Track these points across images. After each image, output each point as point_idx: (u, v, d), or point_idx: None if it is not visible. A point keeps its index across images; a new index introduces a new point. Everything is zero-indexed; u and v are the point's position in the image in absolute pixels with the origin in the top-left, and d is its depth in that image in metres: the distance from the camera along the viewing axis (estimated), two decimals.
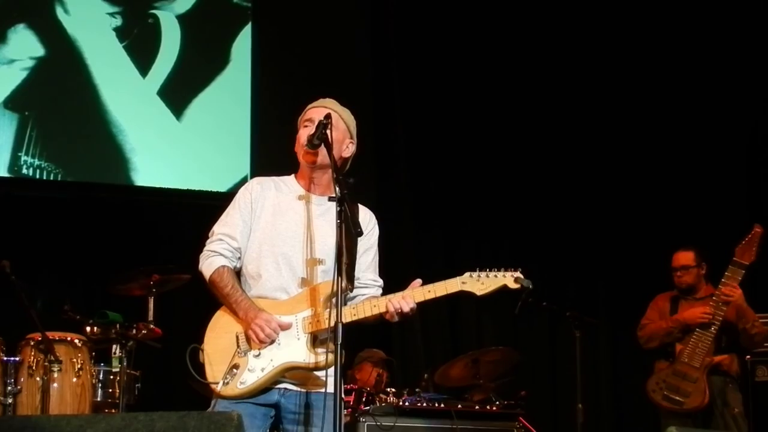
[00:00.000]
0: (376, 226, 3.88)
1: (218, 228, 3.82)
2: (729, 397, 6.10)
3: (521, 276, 3.63)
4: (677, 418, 6.04)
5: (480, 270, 3.65)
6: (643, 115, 8.44)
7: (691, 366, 6.04)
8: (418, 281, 3.66)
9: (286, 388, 3.65)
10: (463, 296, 8.71)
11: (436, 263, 8.28)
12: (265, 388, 3.62)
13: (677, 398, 6.07)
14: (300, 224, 3.74)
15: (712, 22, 8.22)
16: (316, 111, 3.80)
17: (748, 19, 8.16)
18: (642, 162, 8.42)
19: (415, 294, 3.62)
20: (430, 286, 3.63)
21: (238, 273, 3.79)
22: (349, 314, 3.59)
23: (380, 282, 3.86)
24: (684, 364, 6.07)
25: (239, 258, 3.78)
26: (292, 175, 3.88)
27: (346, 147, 3.82)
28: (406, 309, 3.59)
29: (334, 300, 3.50)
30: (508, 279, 3.62)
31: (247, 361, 3.61)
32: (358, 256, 3.70)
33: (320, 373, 3.62)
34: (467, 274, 3.64)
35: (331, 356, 3.49)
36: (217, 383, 3.59)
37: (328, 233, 3.70)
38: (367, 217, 3.83)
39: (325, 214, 3.75)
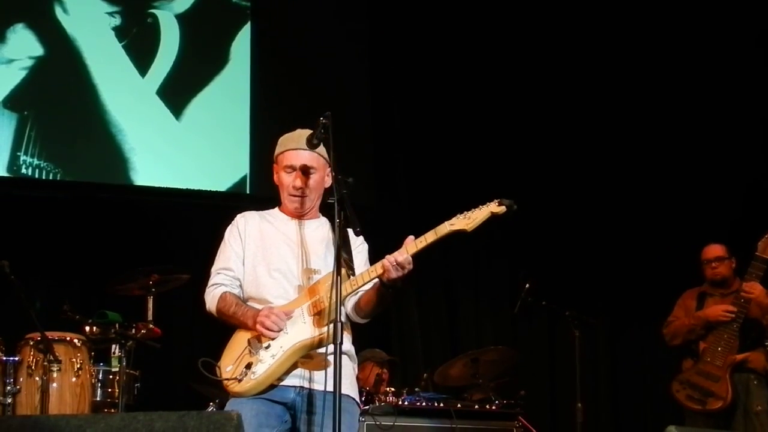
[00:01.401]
0: (365, 243, 3.95)
1: (214, 266, 3.95)
2: (752, 394, 6.08)
3: (503, 199, 3.61)
4: (701, 417, 6.05)
5: (465, 211, 3.64)
6: (643, 116, 8.44)
7: (714, 365, 6.05)
8: (411, 237, 3.66)
9: (302, 387, 3.70)
10: (462, 298, 8.67)
11: (435, 266, 8.26)
12: (281, 384, 3.66)
13: (700, 398, 6.07)
14: (291, 245, 3.86)
15: (724, 21, 8.20)
16: (297, 156, 3.87)
17: (761, 17, 8.12)
18: (642, 162, 8.41)
19: (408, 247, 3.64)
20: (421, 237, 3.63)
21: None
22: (349, 286, 3.65)
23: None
24: (707, 363, 6.08)
25: (240, 286, 3.89)
26: (276, 208, 4.01)
27: (326, 178, 3.92)
28: (401, 259, 3.58)
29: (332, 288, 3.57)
30: (492, 206, 3.62)
31: (259, 357, 3.69)
32: (353, 255, 3.71)
33: (330, 358, 3.60)
34: (453, 217, 3.64)
35: (338, 328, 3.50)
36: (232, 380, 3.65)
37: (319, 247, 3.84)
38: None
39: (316, 231, 3.91)
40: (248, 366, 3.67)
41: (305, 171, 3.86)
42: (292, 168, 3.88)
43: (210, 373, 3.69)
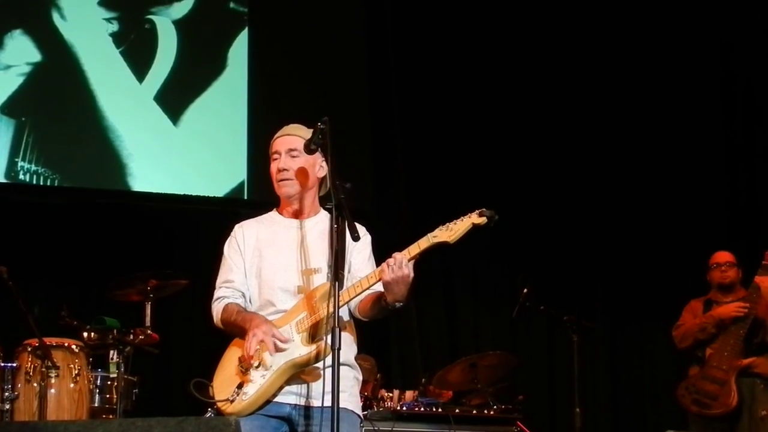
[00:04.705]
0: (367, 234, 3.87)
1: (218, 281, 3.86)
2: (758, 399, 6.10)
3: (484, 209, 3.58)
4: (705, 422, 6.08)
5: (447, 222, 3.62)
6: (640, 120, 8.45)
7: (720, 369, 6.08)
8: (396, 252, 3.60)
9: (297, 404, 3.64)
10: (461, 303, 8.67)
11: (433, 270, 8.26)
12: (274, 400, 3.61)
13: (705, 402, 6.09)
14: (290, 248, 3.77)
15: (713, 28, 8.23)
16: (282, 142, 3.82)
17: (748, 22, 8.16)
18: (640, 166, 8.42)
19: (400, 254, 3.57)
20: (404, 251, 3.57)
21: None
22: (353, 290, 3.59)
23: None
24: (713, 368, 6.11)
25: (243, 296, 3.80)
26: (273, 210, 3.91)
27: (319, 167, 3.82)
28: (399, 256, 3.53)
29: (329, 298, 3.50)
30: (474, 217, 3.58)
31: (249, 377, 3.62)
32: (352, 256, 3.71)
33: (324, 374, 3.59)
34: (436, 229, 3.61)
35: (327, 344, 3.47)
36: (225, 401, 3.60)
37: (320, 243, 3.74)
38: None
39: (315, 227, 3.80)
40: (239, 386, 3.61)
41: (291, 154, 3.76)
42: (278, 153, 3.80)
43: (204, 392, 3.65)
